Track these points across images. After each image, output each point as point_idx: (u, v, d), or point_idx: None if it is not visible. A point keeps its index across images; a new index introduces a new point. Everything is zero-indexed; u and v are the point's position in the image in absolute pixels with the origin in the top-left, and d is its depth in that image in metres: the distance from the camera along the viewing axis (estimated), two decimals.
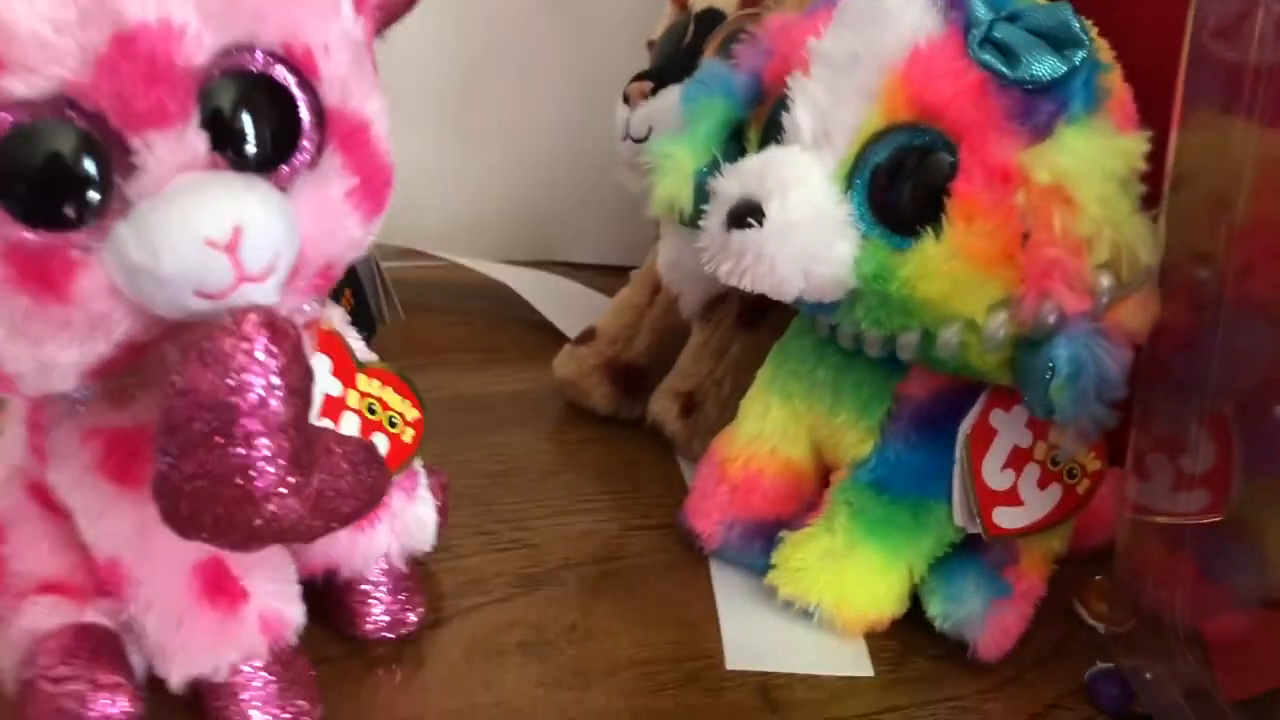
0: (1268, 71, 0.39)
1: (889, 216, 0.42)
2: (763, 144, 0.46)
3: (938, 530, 0.47)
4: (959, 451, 0.45)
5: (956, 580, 0.47)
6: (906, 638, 0.48)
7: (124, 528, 0.36)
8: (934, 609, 0.47)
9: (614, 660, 0.45)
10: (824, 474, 0.51)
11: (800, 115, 0.43)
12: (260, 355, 0.30)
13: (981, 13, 0.40)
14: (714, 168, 0.46)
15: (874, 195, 0.42)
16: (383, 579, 0.43)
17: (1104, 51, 0.42)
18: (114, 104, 0.30)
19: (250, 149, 0.32)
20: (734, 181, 0.43)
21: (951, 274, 0.40)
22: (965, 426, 0.45)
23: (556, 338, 0.74)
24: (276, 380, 0.31)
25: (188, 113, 0.31)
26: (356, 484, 0.34)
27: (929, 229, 0.40)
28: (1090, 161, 0.39)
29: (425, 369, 0.70)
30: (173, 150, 0.31)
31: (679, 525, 0.53)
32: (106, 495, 0.35)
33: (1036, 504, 0.46)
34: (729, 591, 0.50)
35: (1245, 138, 0.40)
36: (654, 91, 0.59)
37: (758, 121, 0.47)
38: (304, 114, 0.34)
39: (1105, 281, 0.40)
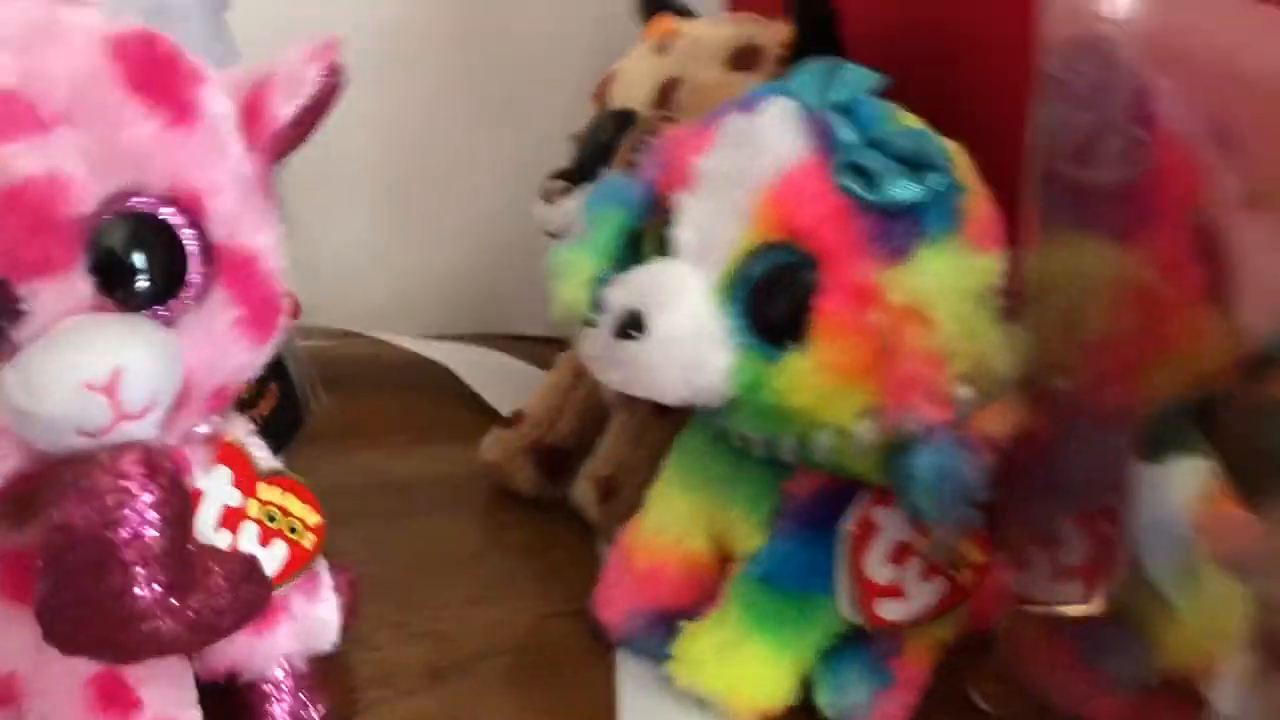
0: (1117, 191, 0.42)
1: (764, 330, 0.44)
2: (657, 252, 0.48)
3: (824, 622, 0.48)
4: (840, 547, 0.47)
5: (842, 670, 0.49)
6: None
7: (21, 643, 0.37)
8: (821, 698, 0.49)
9: None
10: (724, 564, 0.53)
11: (683, 231, 0.45)
12: (135, 491, 0.32)
13: (845, 138, 0.43)
14: (611, 276, 0.48)
15: (750, 309, 0.44)
16: (285, 679, 0.45)
17: (966, 174, 0.44)
18: (0, 256, 0.32)
19: (138, 287, 0.34)
20: (621, 292, 0.45)
21: (818, 386, 0.42)
22: (847, 523, 0.47)
23: (491, 415, 0.76)
24: (153, 514, 0.33)
25: (74, 259, 0.33)
26: (235, 600, 0.36)
27: (797, 343, 0.42)
28: (947, 281, 0.41)
29: (355, 451, 0.72)
30: (58, 297, 0.33)
31: (590, 614, 0.55)
32: (4, 613, 0.37)
33: (920, 596, 0.48)
34: (634, 682, 0.52)
35: (1098, 255, 0.42)
36: (567, 190, 0.61)
37: (651, 231, 0.50)
38: (191, 251, 0.36)
39: (964, 392, 0.42)
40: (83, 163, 0.33)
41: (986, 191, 0.45)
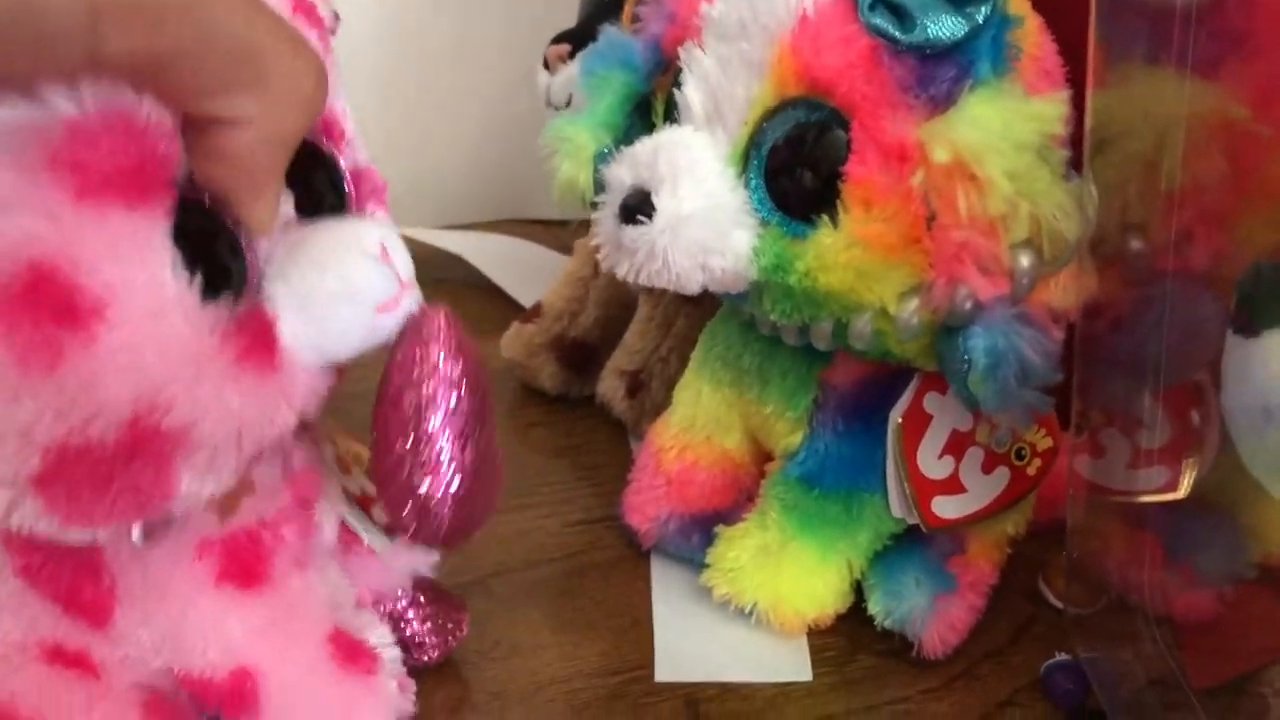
0: (1199, 13, 0.35)
1: (787, 202, 0.38)
2: (667, 119, 0.42)
3: (874, 523, 0.44)
4: (890, 440, 0.42)
5: (897, 575, 0.44)
6: (853, 633, 0.45)
7: (253, 626, 0.35)
8: (875, 606, 0.45)
9: (537, 678, 0.43)
10: (763, 462, 0.48)
11: (690, 91, 0.40)
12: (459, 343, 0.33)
13: None
14: (616, 148, 0.42)
15: (771, 178, 0.38)
16: (419, 594, 0.43)
17: (1016, 2, 0.38)
18: None
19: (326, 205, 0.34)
20: (625, 169, 0.40)
21: (852, 264, 0.37)
22: (896, 413, 0.42)
23: (515, 308, 0.71)
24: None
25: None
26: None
27: (826, 216, 0.37)
28: (997, 133, 0.35)
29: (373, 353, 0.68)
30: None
31: (619, 519, 0.50)
32: (231, 601, 0.35)
33: (980, 490, 0.43)
34: (668, 591, 0.48)
35: (1178, 91, 0.36)
36: (573, 54, 0.55)
37: (662, 92, 0.44)
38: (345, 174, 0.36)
39: (1025, 261, 0.36)
40: None
41: (1042, 22, 0.38)
